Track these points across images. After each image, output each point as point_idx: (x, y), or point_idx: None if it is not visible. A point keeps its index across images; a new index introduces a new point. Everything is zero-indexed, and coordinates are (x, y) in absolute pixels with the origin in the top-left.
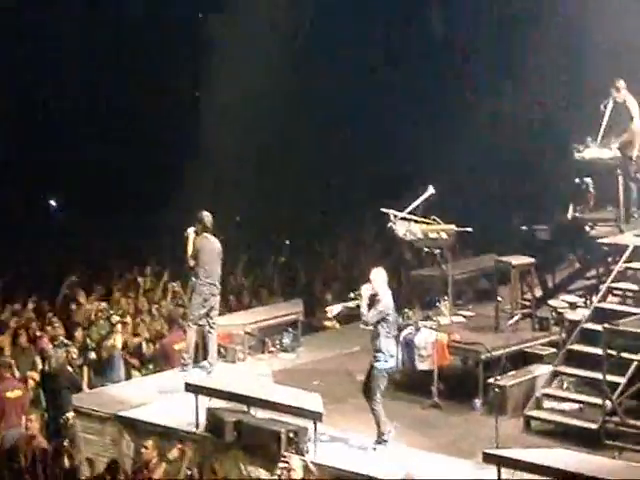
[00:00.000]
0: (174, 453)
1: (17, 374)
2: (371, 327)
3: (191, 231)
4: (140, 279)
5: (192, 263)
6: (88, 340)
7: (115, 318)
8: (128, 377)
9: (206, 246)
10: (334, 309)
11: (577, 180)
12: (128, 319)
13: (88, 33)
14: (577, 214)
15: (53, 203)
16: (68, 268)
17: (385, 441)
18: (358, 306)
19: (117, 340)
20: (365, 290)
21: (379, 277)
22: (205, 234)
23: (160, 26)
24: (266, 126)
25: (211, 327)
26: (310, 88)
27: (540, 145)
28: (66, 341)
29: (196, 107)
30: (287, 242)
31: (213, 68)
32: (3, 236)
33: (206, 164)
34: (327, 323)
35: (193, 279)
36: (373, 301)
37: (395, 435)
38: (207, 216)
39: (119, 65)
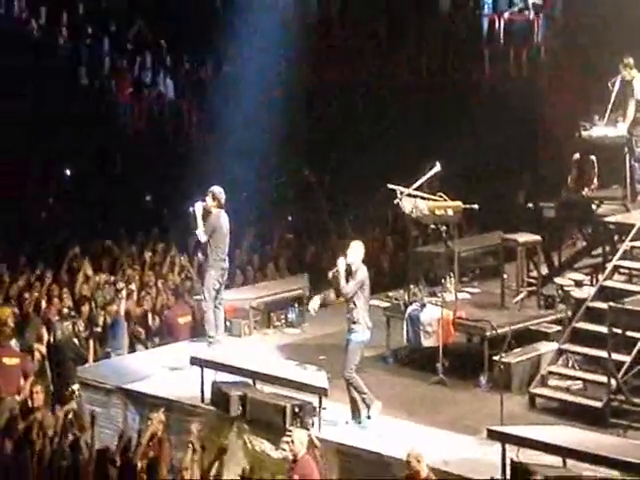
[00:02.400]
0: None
1: (17, 344)
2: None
3: (199, 206)
4: (147, 254)
5: (204, 238)
6: (93, 306)
7: (120, 284)
8: (132, 350)
9: (222, 223)
10: (314, 305)
11: (577, 156)
12: (133, 286)
13: None
14: (585, 192)
15: (67, 172)
16: (72, 240)
17: (372, 400)
18: (337, 291)
19: (121, 305)
20: (341, 264)
21: (356, 250)
22: (220, 210)
23: None
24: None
25: (220, 302)
26: None
27: (548, 122)
28: (72, 313)
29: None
30: (289, 218)
31: None
32: (10, 206)
33: (216, 138)
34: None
35: (203, 255)
36: (349, 273)
37: (400, 411)
38: (220, 192)
39: None
